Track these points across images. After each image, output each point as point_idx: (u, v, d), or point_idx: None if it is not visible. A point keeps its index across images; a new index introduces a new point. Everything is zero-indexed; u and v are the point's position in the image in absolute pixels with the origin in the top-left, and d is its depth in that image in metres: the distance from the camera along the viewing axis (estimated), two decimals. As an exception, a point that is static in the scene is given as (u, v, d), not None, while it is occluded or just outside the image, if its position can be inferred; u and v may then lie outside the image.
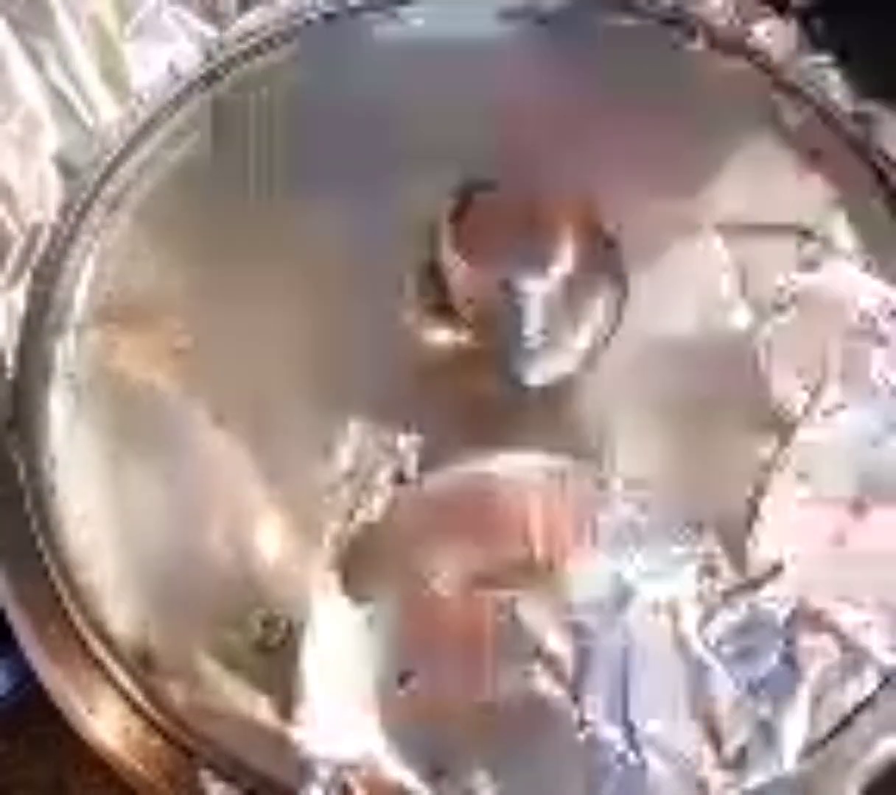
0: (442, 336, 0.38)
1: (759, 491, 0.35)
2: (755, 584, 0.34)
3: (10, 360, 0.39)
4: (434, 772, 0.33)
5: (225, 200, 0.40)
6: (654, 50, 0.42)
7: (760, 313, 0.38)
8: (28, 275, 0.40)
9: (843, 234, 0.39)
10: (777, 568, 0.34)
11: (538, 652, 0.33)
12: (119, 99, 0.42)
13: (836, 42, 0.41)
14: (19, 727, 0.42)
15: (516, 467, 0.35)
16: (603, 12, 0.42)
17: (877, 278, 0.38)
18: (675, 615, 0.34)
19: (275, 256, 0.39)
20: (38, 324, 0.40)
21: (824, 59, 0.41)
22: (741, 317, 0.38)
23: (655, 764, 0.33)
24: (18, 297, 0.39)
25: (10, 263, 0.40)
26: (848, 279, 0.38)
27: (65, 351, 0.39)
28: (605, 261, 0.39)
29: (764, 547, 0.35)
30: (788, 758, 0.33)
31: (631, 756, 0.33)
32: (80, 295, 0.40)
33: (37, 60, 0.42)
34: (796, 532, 0.35)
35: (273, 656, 0.35)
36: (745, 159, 0.41)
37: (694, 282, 0.39)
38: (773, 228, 0.39)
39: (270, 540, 0.37)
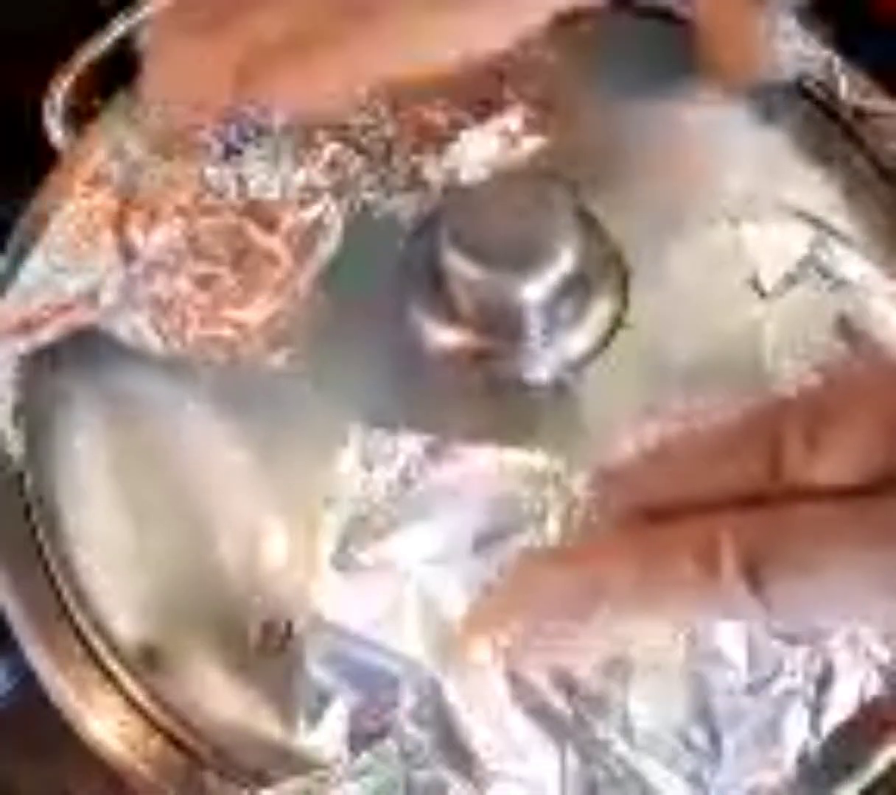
0: (443, 337, 0.38)
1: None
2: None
3: (12, 362, 0.39)
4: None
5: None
6: (655, 48, 0.42)
7: (766, 307, 0.38)
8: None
9: (843, 232, 0.39)
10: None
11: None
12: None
13: (837, 40, 0.41)
14: (19, 727, 0.42)
15: (518, 467, 0.35)
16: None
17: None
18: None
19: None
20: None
21: (826, 56, 0.41)
22: (746, 313, 0.38)
23: (655, 764, 0.33)
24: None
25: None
26: (858, 271, 0.38)
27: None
28: (605, 260, 0.39)
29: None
30: (789, 759, 0.33)
31: (631, 756, 0.33)
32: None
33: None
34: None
35: (274, 659, 0.35)
36: (746, 157, 0.41)
37: (696, 280, 0.39)
38: (779, 219, 0.38)
39: (272, 543, 0.37)
